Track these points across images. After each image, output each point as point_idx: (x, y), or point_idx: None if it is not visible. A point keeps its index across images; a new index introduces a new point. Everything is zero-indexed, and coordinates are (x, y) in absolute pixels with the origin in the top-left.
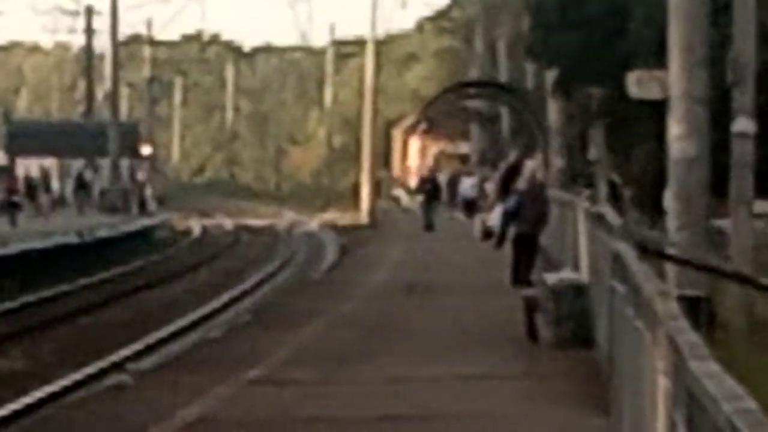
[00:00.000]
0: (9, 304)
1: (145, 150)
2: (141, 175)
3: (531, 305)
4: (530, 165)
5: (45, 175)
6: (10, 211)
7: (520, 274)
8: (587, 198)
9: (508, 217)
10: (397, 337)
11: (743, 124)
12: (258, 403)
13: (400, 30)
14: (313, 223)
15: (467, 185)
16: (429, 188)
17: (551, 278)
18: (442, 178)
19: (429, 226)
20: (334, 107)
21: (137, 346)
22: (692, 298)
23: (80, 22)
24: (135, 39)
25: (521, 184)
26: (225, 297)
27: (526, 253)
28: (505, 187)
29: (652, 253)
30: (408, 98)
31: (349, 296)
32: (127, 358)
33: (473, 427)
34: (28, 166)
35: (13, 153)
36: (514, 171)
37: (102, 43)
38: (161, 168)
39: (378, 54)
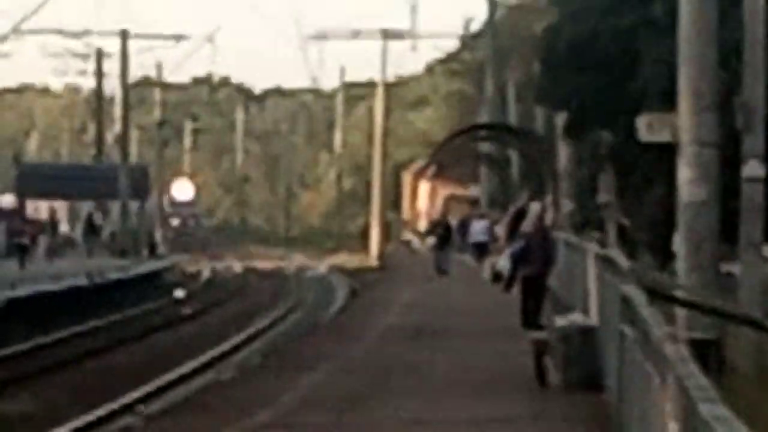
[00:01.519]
0: (19, 347)
1: (183, 193)
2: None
3: (540, 348)
4: (535, 208)
5: (52, 217)
6: (19, 254)
7: (530, 317)
8: (597, 241)
9: (516, 260)
10: (408, 380)
11: (753, 168)
12: None
13: (411, 73)
14: (323, 266)
15: (478, 228)
16: (441, 232)
17: (561, 321)
18: (453, 221)
19: (442, 271)
20: (344, 150)
21: (147, 388)
22: (702, 342)
23: (90, 65)
24: (145, 81)
25: (527, 226)
26: (235, 340)
27: (535, 296)
28: (513, 231)
29: (662, 297)
30: (418, 141)
31: (359, 339)
32: (137, 401)
33: None
34: (38, 209)
35: (22, 195)
36: (521, 214)
37: (112, 86)
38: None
39: (388, 97)
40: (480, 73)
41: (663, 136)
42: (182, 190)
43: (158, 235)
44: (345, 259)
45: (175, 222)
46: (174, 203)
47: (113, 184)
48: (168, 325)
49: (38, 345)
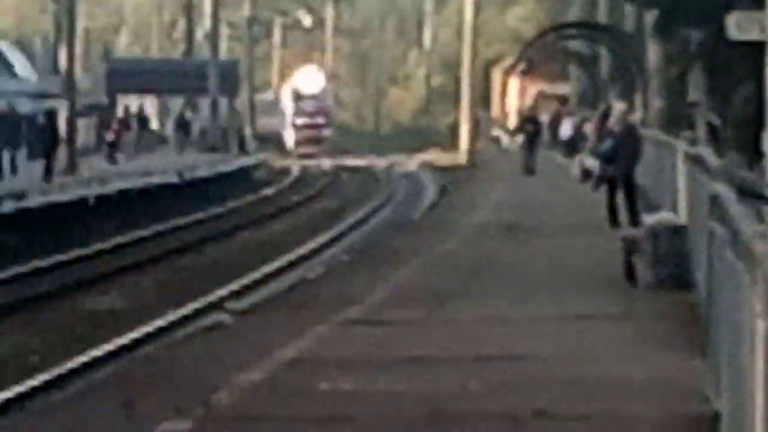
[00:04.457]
0: (108, 243)
1: (311, 84)
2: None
3: (630, 246)
4: (619, 107)
5: (140, 112)
6: (109, 150)
7: (628, 214)
8: (686, 139)
9: (604, 159)
10: (496, 277)
11: None
12: (355, 343)
13: None
14: (413, 163)
15: (567, 126)
16: (530, 129)
17: (650, 219)
18: (544, 119)
19: (530, 170)
20: (434, 47)
21: (235, 286)
22: None
23: None
24: None
25: (613, 125)
26: (324, 237)
27: (626, 194)
28: (601, 129)
29: (751, 195)
30: (507, 39)
31: (447, 236)
32: (226, 298)
33: (569, 368)
34: (129, 105)
35: (113, 91)
36: (608, 114)
37: None
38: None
39: None
40: None
41: (752, 34)
42: (310, 79)
43: (247, 132)
44: (434, 156)
45: (300, 121)
46: (299, 97)
47: (203, 81)
48: (257, 222)
49: (126, 242)
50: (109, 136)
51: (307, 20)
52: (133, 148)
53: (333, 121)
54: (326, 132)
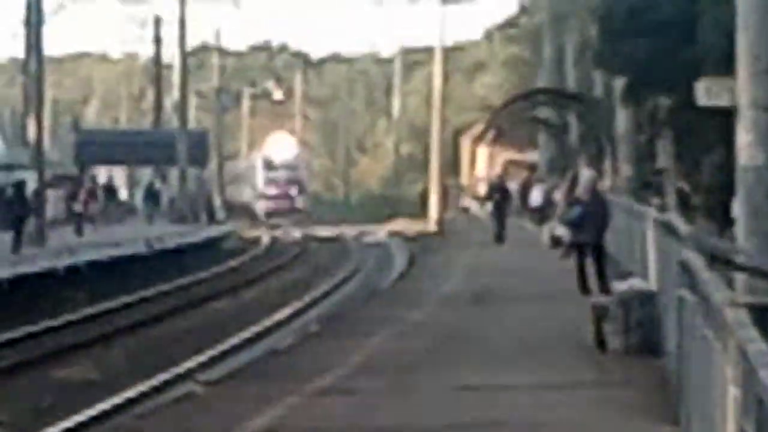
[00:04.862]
0: (78, 314)
1: (282, 151)
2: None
3: (599, 314)
4: (587, 174)
5: (108, 183)
6: (76, 221)
7: (597, 282)
8: (656, 207)
9: (573, 226)
10: (467, 345)
11: None
12: (326, 413)
13: (469, 39)
14: (381, 232)
15: (536, 193)
16: (498, 197)
17: (620, 286)
18: (513, 186)
19: (499, 238)
20: (402, 116)
21: (206, 356)
22: (762, 307)
23: (149, 32)
24: (203, 48)
25: (582, 193)
26: (293, 306)
27: (595, 261)
28: (570, 197)
29: (721, 262)
30: (476, 107)
31: (418, 305)
32: (196, 368)
33: None
34: (97, 176)
35: (82, 162)
36: (577, 181)
37: (170, 53)
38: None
39: (446, 62)
40: (538, 38)
41: (722, 101)
42: (281, 146)
43: (217, 202)
44: (404, 224)
45: (271, 191)
46: (270, 166)
47: (172, 151)
48: (227, 292)
49: (96, 312)
50: (77, 207)
51: (278, 94)
52: (100, 220)
53: (306, 190)
54: (299, 202)
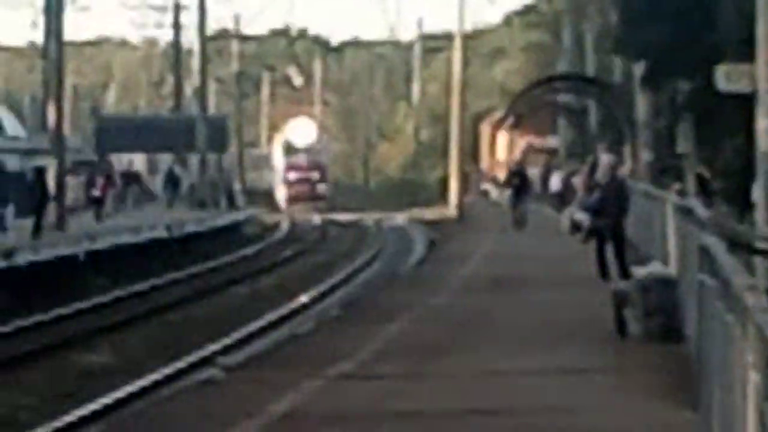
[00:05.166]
0: (99, 299)
1: (303, 136)
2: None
3: (620, 299)
4: (605, 159)
5: (128, 168)
6: (95, 207)
7: (617, 267)
8: (676, 192)
9: (592, 212)
10: (486, 331)
11: None
12: (347, 398)
13: (488, 24)
14: (401, 217)
15: (555, 179)
16: (517, 182)
17: (640, 272)
18: (533, 171)
19: (519, 224)
20: (422, 102)
21: (227, 340)
22: None
23: (168, 18)
24: (223, 34)
25: (600, 178)
26: (314, 291)
27: (614, 246)
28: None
29: (741, 247)
30: (495, 92)
31: (437, 290)
32: (217, 353)
33: (562, 421)
34: (116, 161)
35: (101, 148)
36: (596, 166)
37: (190, 39)
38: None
39: (465, 48)
40: (557, 23)
41: (741, 86)
42: (302, 131)
43: (237, 187)
44: (424, 210)
45: (292, 176)
46: (291, 150)
47: (192, 137)
48: (247, 277)
49: (117, 297)
50: (95, 193)
51: (298, 80)
52: (118, 205)
53: (327, 177)
54: (321, 188)
